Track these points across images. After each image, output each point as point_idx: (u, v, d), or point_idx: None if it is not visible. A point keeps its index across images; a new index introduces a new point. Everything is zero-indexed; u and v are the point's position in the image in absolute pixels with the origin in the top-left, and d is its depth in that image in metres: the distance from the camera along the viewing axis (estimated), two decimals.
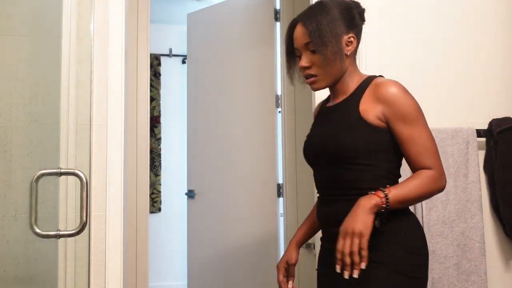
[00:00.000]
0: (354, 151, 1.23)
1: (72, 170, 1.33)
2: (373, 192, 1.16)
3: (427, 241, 1.71)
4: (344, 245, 1.11)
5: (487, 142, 1.88)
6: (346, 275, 1.10)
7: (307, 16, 1.28)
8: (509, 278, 1.88)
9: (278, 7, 2.70)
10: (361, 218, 1.12)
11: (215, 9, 2.98)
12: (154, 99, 3.87)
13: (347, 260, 1.10)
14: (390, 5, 1.88)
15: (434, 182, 1.21)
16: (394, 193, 1.16)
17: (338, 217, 1.19)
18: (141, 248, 2.48)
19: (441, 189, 1.23)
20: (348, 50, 1.29)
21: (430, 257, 1.71)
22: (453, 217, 1.76)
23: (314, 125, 1.44)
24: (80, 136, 1.60)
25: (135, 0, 2.50)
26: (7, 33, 1.50)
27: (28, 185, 1.26)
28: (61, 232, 1.31)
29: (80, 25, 1.63)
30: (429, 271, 1.70)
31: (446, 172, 1.78)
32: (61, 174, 1.31)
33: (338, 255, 1.12)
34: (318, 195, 1.38)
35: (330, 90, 1.38)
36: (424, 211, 1.72)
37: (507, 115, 1.90)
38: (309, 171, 1.44)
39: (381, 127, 1.24)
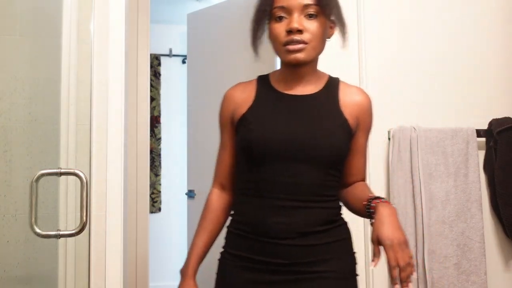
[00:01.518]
0: (343, 155, 1.16)
1: (72, 170, 1.33)
2: (381, 200, 1.08)
3: (427, 241, 1.72)
4: (400, 258, 0.98)
5: (487, 142, 1.88)
6: None
7: None
8: (509, 278, 1.88)
9: None
10: (397, 226, 1.02)
11: (215, 9, 2.98)
12: (154, 99, 3.87)
13: (405, 274, 0.98)
14: (390, 5, 1.88)
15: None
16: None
17: (299, 229, 1.09)
18: (141, 248, 2.48)
19: None
20: (329, 34, 1.18)
21: (430, 257, 1.72)
22: (453, 217, 1.76)
23: (266, 111, 1.17)
24: (80, 136, 1.60)
25: (135, 0, 2.50)
26: (7, 33, 1.50)
27: (28, 185, 1.26)
28: (61, 232, 1.31)
29: (80, 25, 1.63)
30: (429, 271, 1.70)
31: (446, 172, 1.79)
32: (61, 174, 1.31)
33: (395, 272, 0.98)
34: (246, 195, 1.18)
35: (292, 73, 1.18)
36: (424, 211, 1.72)
37: (507, 115, 1.90)
38: None
39: (353, 133, 1.18)
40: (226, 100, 1.25)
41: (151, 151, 3.71)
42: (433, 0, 1.92)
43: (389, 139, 1.80)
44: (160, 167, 3.89)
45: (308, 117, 1.14)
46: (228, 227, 1.23)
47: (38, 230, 1.27)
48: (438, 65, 1.90)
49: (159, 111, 3.92)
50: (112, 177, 1.62)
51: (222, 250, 1.23)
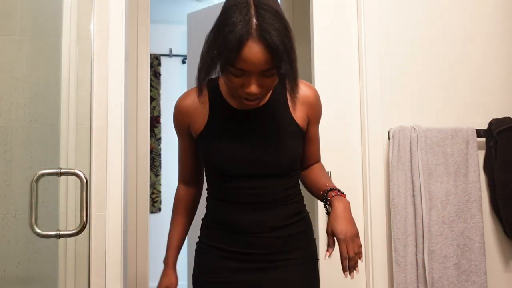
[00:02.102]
0: (299, 159, 1.24)
1: (72, 170, 1.33)
2: (337, 194, 1.18)
3: (427, 241, 1.72)
4: (350, 249, 1.11)
5: (487, 142, 1.88)
6: (351, 276, 1.12)
7: (270, 36, 0.98)
8: (509, 278, 1.88)
9: None
10: (350, 218, 1.14)
11: (215, 9, 2.97)
12: (154, 99, 3.86)
13: (353, 262, 1.11)
14: (390, 5, 1.88)
15: (325, 168, 1.35)
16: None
17: (271, 224, 1.19)
18: (141, 248, 2.48)
19: None
20: None
21: (430, 257, 1.72)
22: (453, 217, 1.76)
23: (223, 130, 1.19)
24: (80, 136, 1.60)
25: (135, 0, 2.50)
26: (7, 33, 1.50)
27: (28, 185, 1.26)
28: (61, 232, 1.31)
29: (80, 25, 1.63)
30: (429, 271, 1.70)
31: (446, 172, 1.79)
32: (61, 174, 1.31)
33: (346, 262, 1.11)
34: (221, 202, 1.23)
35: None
36: (424, 211, 1.72)
37: (507, 115, 1.90)
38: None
39: (305, 131, 1.25)
40: (179, 114, 1.24)
41: (151, 151, 3.71)
42: (433, 1, 1.92)
43: (389, 139, 1.80)
44: (160, 167, 3.89)
45: (262, 133, 1.18)
46: (202, 219, 1.31)
47: (38, 230, 1.27)
48: (438, 65, 1.90)
49: (159, 111, 3.91)
50: (112, 177, 1.62)
51: (198, 240, 1.32)
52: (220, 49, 1.01)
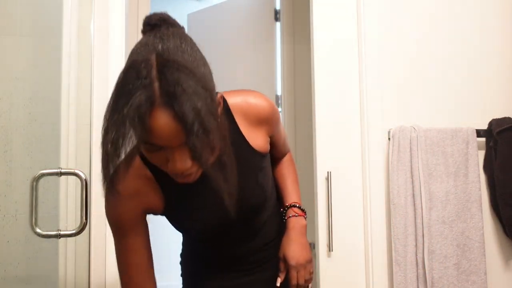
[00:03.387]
0: (271, 186, 1.14)
1: (73, 170, 1.33)
2: (296, 214, 1.15)
3: (427, 241, 1.72)
4: (300, 277, 1.10)
5: (487, 142, 1.88)
6: None
7: (178, 101, 0.74)
8: (509, 278, 1.88)
9: (278, 7, 2.70)
10: (303, 243, 1.11)
11: (215, 9, 2.98)
12: None
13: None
14: (390, 5, 1.88)
15: (292, 160, 1.29)
16: (299, 200, 1.20)
17: (261, 244, 1.15)
18: None
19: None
20: (220, 110, 0.92)
21: (430, 257, 1.71)
22: (453, 217, 1.76)
23: (190, 200, 1.01)
24: (80, 136, 1.59)
25: (135, 0, 2.50)
26: (7, 33, 1.50)
27: (28, 185, 1.26)
28: (61, 232, 1.31)
29: (80, 25, 1.63)
30: (429, 271, 1.70)
31: (446, 172, 1.79)
32: (61, 174, 1.31)
33: None
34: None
35: None
36: (424, 211, 1.72)
37: (507, 115, 1.90)
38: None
39: (268, 149, 1.11)
40: (122, 200, 0.97)
41: None
42: (433, 0, 1.92)
43: (389, 139, 1.80)
44: None
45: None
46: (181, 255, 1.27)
47: (38, 230, 1.27)
48: (438, 65, 1.90)
49: None
50: None
51: (181, 252, 1.27)
52: (120, 128, 0.75)
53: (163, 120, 0.75)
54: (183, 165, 0.81)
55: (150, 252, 1.04)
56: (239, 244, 1.13)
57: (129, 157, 0.82)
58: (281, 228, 1.19)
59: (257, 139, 1.05)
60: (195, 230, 1.06)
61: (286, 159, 1.27)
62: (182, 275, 1.25)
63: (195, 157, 0.79)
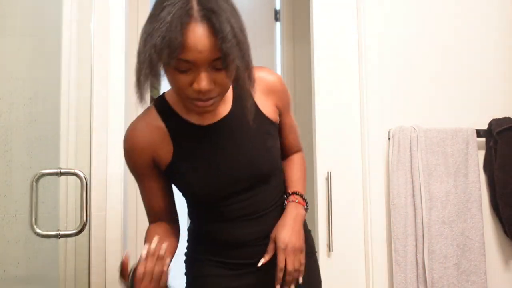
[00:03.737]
0: (279, 159, 1.14)
1: (72, 170, 1.33)
2: (296, 200, 1.12)
3: (427, 241, 1.72)
4: (289, 262, 1.02)
5: (487, 142, 1.88)
6: None
7: (216, 16, 0.85)
8: (509, 278, 1.88)
9: (278, 7, 2.70)
10: (297, 230, 1.06)
11: None
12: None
13: (291, 278, 1.03)
14: (390, 5, 1.88)
15: (304, 160, 1.26)
16: (303, 191, 1.17)
17: (268, 230, 1.09)
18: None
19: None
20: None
21: (430, 257, 1.72)
22: (453, 217, 1.76)
23: (193, 155, 1.06)
24: (80, 136, 1.59)
25: (135, 0, 2.50)
26: (7, 33, 1.50)
27: (28, 185, 1.26)
28: (61, 232, 1.31)
29: (80, 25, 1.63)
30: (429, 271, 1.70)
31: (446, 172, 1.79)
32: (61, 174, 1.31)
33: (280, 274, 1.02)
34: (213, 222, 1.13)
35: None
36: (424, 211, 1.72)
37: (507, 115, 1.90)
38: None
39: (278, 122, 1.14)
40: (137, 152, 1.08)
41: None
42: (433, 0, 1.92)
43: (389, 139, 1.80)
44: None
45: (236, 147, 1.06)
46: (187, 240, 1.22)
47: (38, 230, 1.27)
48: (438, 65, 1.90)
49: None
50: (112, 177, 1.62)
51: (185, 251, 1.23)
52: (158, 41, 0.83)
53: (200, 31, 0.84)
54: (208, 84, 0.89)
55: (167, 192, 1.13)
56: (242, 219, 1.09)
57: (147, 110, 1.02)
58: None
59: (265, 106, 1.09)
60: (198, 187, 1.06)
61: (297, 156, 1.25)
62: (185, 272, 1.23)
63: (226, 64, 0.87)
